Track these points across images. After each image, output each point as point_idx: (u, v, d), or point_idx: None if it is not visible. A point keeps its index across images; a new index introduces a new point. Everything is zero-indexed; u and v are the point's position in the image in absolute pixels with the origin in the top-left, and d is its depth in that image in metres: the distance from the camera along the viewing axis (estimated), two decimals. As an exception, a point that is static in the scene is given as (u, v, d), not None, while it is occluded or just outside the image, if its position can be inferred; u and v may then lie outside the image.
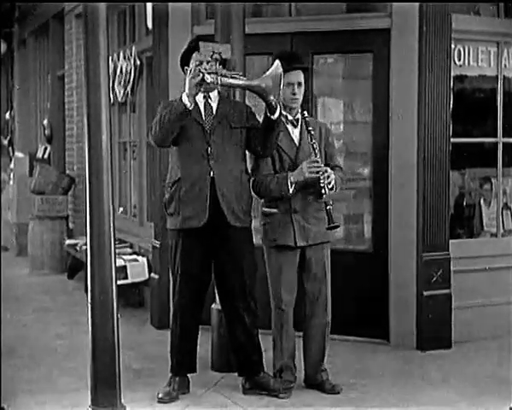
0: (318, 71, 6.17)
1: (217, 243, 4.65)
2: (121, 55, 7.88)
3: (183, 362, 4.76)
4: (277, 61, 4.41)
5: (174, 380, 4.72)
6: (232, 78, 4.41)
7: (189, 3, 6.21)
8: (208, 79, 4.33)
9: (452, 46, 5.89)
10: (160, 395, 4.64)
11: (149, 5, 7.09)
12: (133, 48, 7.64)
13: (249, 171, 4.79)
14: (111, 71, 7.72)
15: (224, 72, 4.43)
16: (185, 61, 4.71)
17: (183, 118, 4.45)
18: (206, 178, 4.54)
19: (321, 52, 6.13)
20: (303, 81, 4.77)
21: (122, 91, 7.87)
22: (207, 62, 4.44)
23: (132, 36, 7.97)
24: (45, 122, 11.26)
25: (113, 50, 8.00)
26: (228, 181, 4.58)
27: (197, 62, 4.48)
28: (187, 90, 4.40)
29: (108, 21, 3.93)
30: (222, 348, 5.21)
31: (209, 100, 4.68)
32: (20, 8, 12.53)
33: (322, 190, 4.57)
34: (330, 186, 4.60)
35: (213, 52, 4.48)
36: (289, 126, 4.80)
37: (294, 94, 4.73)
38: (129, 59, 7.69)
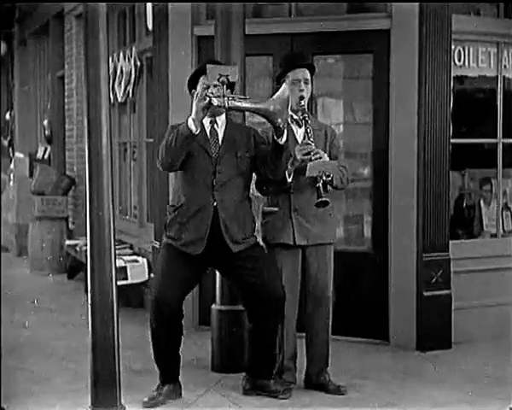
0: (318, 71, 6.16)
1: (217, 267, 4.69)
2: (121, 55, 7.89)
3: (166, 373, 4.68)
4: (284, 85, 4.37)
5: (162, 387, 4.66)
6: (239, 101, 4.33)
7: (189, 4, 6.21)
8: (215, 102, 4.23)
9: (452, 47, 5.89)
10: (145, 399, 4.57)
11: (149, 5, 7.09)
12: (133, 48, 7.65)
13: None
14: (111, 71, 7.73)
15: (232, 95, 4.37)
16: (192, 84, 4.62)
17: (188, 142, 4.34)
18: (209, 207, 4.49)
19: (321, 53, 6.12)
20: (309, 79, 4.76)
21: (122, 92, 7.87)
22: (214, 86, 4.36)
23: (132, 36, 7.97)
24: (45, 123, 11.26)
25: (113, 51, 8.01)
26: (230, 210, 4.52)
27: (204, 86, 4.39)
28: (193, 115, 4.28)
29: (108, 22, 3.93)
30: (222, 348, 5.21)
31: (215, 126, 4.59)
32: (21, 9, 12.54)
33: (318, 178, 4.50)
34: (329, 179, 4.52)
35: (220, 75, 4.37)
36: (293, 126, 4.78)
37: (302, 91, 4.71)
38: (129, 59, 7.69)
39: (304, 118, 4.70)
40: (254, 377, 4.78)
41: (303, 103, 4.71)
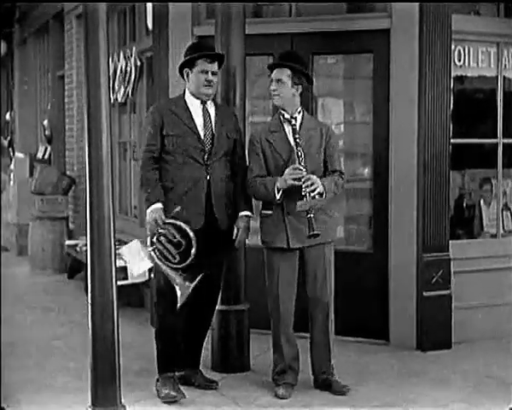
0: (318, 71, 6.17)
1: (208, 244, 4.70)
2: (121, 55, 7.89)
3: (178, 360, 4.82)
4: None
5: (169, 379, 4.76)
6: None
7: (190, 3, 6.21)
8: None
9: (452, 47, 5.89)
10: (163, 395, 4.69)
11: (149, 5, 7.09)
12: (133, 48, 7.64)
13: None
14: (111, 71, 7.73)
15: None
16: (189, 64, 4.73)
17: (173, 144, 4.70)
18: (202, 183, 4.65)
19: (321, 52, 6.13)
20: (286, 79, 4.74)
21: (122, 92, 7.87)
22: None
23: (132, 36, 7.97)
24: (45, 123, 11.26)
25: (113, 50, 8.01)
26: (220, 187, 4.71)
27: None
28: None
29: (108, 21, 3.92)
30: (222, 348, 5.22)
31: (206, 106, 4.76)
32: (21, 9, 12.54)
33: (304, 199, 4.52)
34: (313, 194, 4.55)
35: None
36: (286, 125, 4.78)
37: (274, 91, 4.77)
38: (129, 59, 7.69)
39: (293, 129, 4.69)
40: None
41: (276, 102, 4.80)
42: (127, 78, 7.73)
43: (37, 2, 11.12)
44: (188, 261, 4.54)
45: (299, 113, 4.81)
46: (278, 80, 4.76)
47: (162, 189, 4.68)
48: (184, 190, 4.65)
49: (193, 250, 4.53)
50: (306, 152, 4.67)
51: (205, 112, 4.74)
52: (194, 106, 4.74)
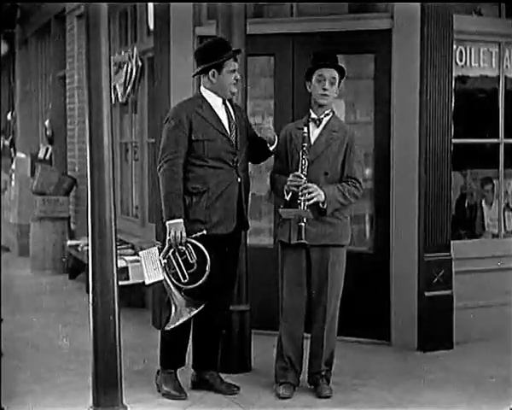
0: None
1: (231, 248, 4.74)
2: (123, 55, 7.88)
3: (179, 358, 4.82)
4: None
5: (171, 377, 4.77)
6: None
7: (191, 4, 6.21)
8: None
9: (454, 47, 5.89)
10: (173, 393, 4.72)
11: (151, 5, 7.09)
12: (135, 48, 7.64)
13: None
14: (112, 71, 7.72)
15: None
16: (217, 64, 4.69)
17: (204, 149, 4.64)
18: (234, 184, 4.63)
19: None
20: (337, 79, 4.74)
21: (123, 92, 7.87)
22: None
23: (134, 36, 7.97)
24: (47, 123, 11.27)
25: (114, 51, 8.00)
26: (247, 188, 4.77)
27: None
28: (171, 231, 4.48)
29: (110, 22, 3.92)
30: (224, 348, 5.20)
31: (226, 104, 4.73)
32: (22, 9, 12.55)
33: (299, 207, 4.53)
34: (309, 203, 4.54)
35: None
36: (310, 124, 4.76)
37: (325, 89, 4.72)
38: (130, 59, 7.69)
39: (305, 137, 4.66)
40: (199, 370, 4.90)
41: (322, 102, 4.72)
42: (128, 78, 7.73)
43: (38, 2, 11.12)
44: (197, 284, 4.48)
45: (328, 115, 4.77)
46: (332, 79, 4.73)
47: (191, 194, 4.60)
48: (218, 193, 4.58)
49: (206, 273, 4.47)
50: (324, 153, 4.68)
51: (228, 111, 4.71)
52: (218, 106, 4.68)
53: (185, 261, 4.50)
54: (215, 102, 4.67)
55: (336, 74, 4.74)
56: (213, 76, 4.65)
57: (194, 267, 4.48)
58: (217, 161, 4.59)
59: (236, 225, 4.67)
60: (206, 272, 4.46)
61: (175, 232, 4.46)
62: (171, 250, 4.50)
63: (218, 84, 4.66)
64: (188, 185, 4.58)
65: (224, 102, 4.70)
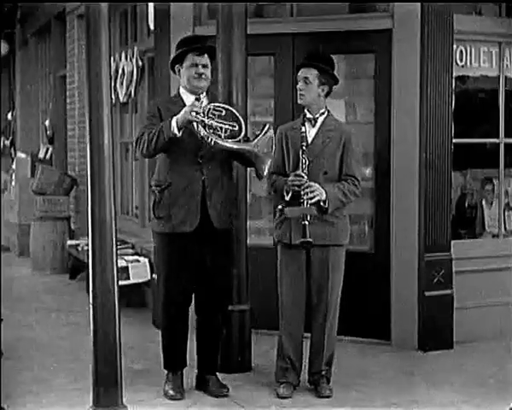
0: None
1: (203, 246, 4.67)
2: (123, 55, 7.89)
3: (176, 360, 4.80)
4: (268, 124, 4.57)
5: (172, 377, 4.78)
6: (225, 141, 4.48)
7: (191, 4, 6.21)
8: (201, 132, 4.44)
9: (454, 47, 5.89)
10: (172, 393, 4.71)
11: (151, 5, 7.09)
12: (135, 48, 7.65)
13: None
14: (113, 71, 7.73)
15: (219, 133, 4.50)
16: (179, 60, 4.72)
17: (171, 141, 4.51)
18: (198, 183, 4.58)
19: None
20: (314, 78, 4.73)
21: (124, 92, 7.87)
22: (207, 114, 4.52)
23: (134, 36, 7.98)
24: (47, 123, 11.26)
25: (114, 51, 8.01)
26: (217, 186, 4.64)
27: (198, 104, 4.50)
28: (179, 120, 4.45)
29: (110, 22, 3.92)
30: (224, 348, 5.20)
31: (201, 100, 4.69)
32: (22, 9, 12.54)
33: (301, 206, 4.54)
34: (311, 201, 4.55)
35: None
36: (306, 124, 4.76)
37: (300, 90, 4.75)
38: (131, 59, 7.69)
39: (302, 137, 4.67)
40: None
41: (301, 102, 4.77)
42: (129, 78, 7.73)
43: (38, 2, 11.12)
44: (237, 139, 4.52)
45: (323, 114, 4.79)
46: (305, 79, 4.75)
47: (157, 186, 4.64)
48: (180, 189, 4.57)
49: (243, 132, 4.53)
50: (321, 153, 4.68)
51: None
52: (190, 102, 4.64)
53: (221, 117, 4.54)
54: (188, 99, 4.67)
55: (310, 74, 4.73)
56: (178, 72, 4.74)
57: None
58: (180, 155, 4.58)
59: (202, 222, 4.58)
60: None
61: (189, 110, 4.43)
62: (204, 118, 4.46)
63: (183, 80, 4.72)
64: (152, 180, 4.68)
65: (197, 98, 4.64)
